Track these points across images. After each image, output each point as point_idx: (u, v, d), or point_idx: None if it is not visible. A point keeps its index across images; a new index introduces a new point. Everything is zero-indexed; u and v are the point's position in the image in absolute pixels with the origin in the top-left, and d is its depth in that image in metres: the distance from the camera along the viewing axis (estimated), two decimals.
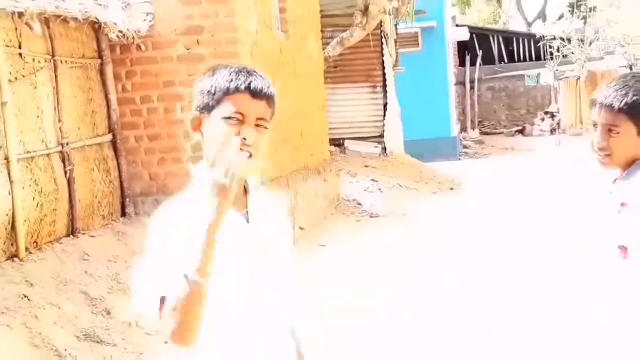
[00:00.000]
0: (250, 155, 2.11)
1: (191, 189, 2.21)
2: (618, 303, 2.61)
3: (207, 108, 2.16)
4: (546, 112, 28.96)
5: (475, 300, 7.12)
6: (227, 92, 2.13)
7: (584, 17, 30.13)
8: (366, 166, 15.22)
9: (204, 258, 2.00)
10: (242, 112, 2.12)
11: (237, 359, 2.17)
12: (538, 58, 31.30)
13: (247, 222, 2.21)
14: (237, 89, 2.12)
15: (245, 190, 2.25)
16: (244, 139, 2.10)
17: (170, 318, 2.04)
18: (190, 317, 2.03)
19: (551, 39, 27.46)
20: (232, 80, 2.13)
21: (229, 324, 2.16)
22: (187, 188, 2.23)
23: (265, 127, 2.16)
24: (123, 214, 8.34)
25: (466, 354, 5.79)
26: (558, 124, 27.60)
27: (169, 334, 2.06)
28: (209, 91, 2.16)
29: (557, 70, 27.88)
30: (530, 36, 32.46)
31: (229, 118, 2.12)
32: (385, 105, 16.88)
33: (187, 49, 8.39)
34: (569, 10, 34.27)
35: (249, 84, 2.13)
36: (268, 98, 2.16)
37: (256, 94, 2.13)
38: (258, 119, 2.14)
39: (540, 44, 28.71)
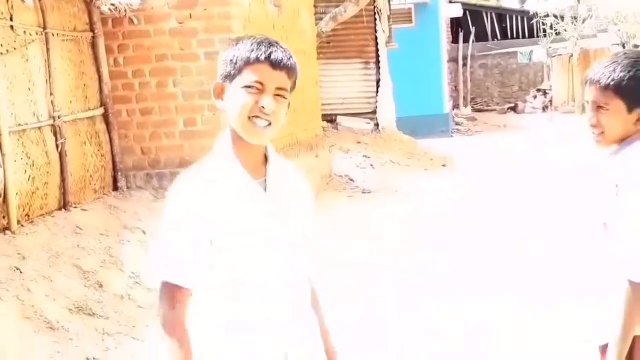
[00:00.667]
0: (269, 124, 2.19)
1: (211, 158, 2.27)
2: (600, 278, 2.63)
3: (229, 77, 2.23)
4: (538, 90, 29.01)
5: (465, 276, 7.17)
6: (247, 62, 2.20)
7: None
8: (358, 142, 15.23)
9: None
10: (262, 82, 2.19)
11: (257, 322, 2.22)
12: (531, 35, 31.27)
13: (265, 190, 2.26)
14: (257, 59, 2.19)
15: (265, 159, 2.30)
16: (263, 107, 2.17)
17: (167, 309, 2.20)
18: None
19: (544, 16, 27.41)
20: (252, 50, 2.20)
21: (248, 288, 2.21)
22: (208, 157, 2.28)
23: (285, 97, 2.23)
24: (115, 187, 8.34)
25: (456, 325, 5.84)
26: (550, 101, 27.64)
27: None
28: (231, 60, 2.23)
29: (550, 47, 27.87)
30: (523, 13, 32.38)
31: (249, 87, 2.19)
32: (378, 82, 16.87)
33: (180, 23, 8.36)
34: None
35: (269, 54, 2.20)
36: (288, 69, 2.23)
37: (276, 64, 2.20)
38: (277, 88, 2.21)
39: (534, 21, 28.67)
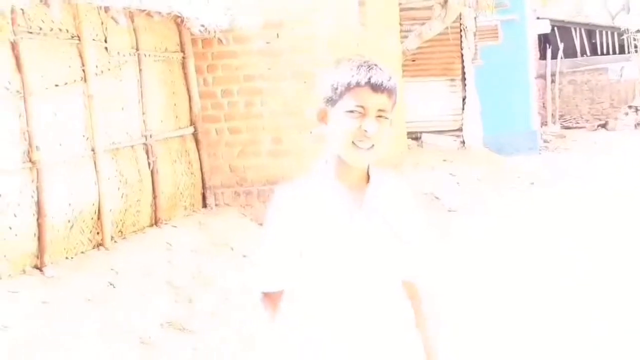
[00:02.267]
0: (372, 146, 2.23)
1: (309, 178, 2.33)
2: None
3: (332, 101, 2.27)
4: (630, 107, 28.22)
5: (554, 294, 7.01)
6: (348, 87, 2.23)
7: None
8: (444, 160, 15.08)
9: None
10: (363, 105, 2.22)
11: (347, 327, 2.25)
12: (622, 51, 30.51)
13: (360, 208, 2.28)
14: (357, 84, 2.22)
15: (368, 177, 2.33)
16: (365, 131, 2.20)
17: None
18: None
19: (636, 31, 26.71)
20: (353, 75, 2.23)
21: (342, 297, 2.26)
22: (306, 176, 2.35)
23: (387, 118, 2.25)
24: (204, 205, 8.49)
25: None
26: None
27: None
28: (332, 85, 2.26)
29: None
30: (614, 29, 31.61)
31: (351, 112, 2.22)
32: (464, 99, 16.72)
33: (267, 43, 8.47)
34: None
35: (369, 78, 2.22)
36: (388, 91, 2.24)
37: (376, 87, 2.22)
38: (379, 110, 2.23)
39: (625, 36, 27.97)
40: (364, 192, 2.30)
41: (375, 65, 2.26)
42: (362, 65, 2.24)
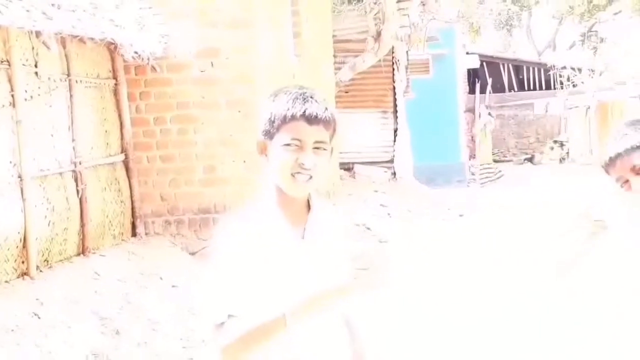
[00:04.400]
0: (311, 177, 2.23)
1: (255, 206, 2.32)
2: None
3: (269, 134, 2.27)
4: (555, 141, 28.97)
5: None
6: (284, 120, 2.22)
7: (595, 48, 30.21)
8: (376, 191, 15.21)
9: (307, 308, 2.18)
10: (300, 139, 2.22)
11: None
12: (548, 87, 31.37)
13: (302, 237, 2.29)
14: (293, 117, 2.22)
15: (308, 207, 2.34)
16: (302, 164, 2.21)
17: (237, 343, 2.19)
18: (255, 344, 2.19)
19: (562, 68, 27.51)
20: (288, 109, 2.22)
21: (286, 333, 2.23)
22: (249, 206, 2.33)
23: (325, 149, 2.26)
24: (134, 234, 8.36)
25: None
26: (567, 153, 27.59)
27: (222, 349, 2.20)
28: (269, 119, 2.26)
29: (567, 99, 27.92)
30: (540, 65, 32.52)
31: (288, 145, 2.22)
32: (395, 131, 16.92)
33: (202, 71, 8.44)
34: (580, 40, 34.37)
35: (304, 110, 2.22)
36: (325, 122, 2.25)
37: (312, 120, 2.22)
38: (316, 142, 2.23)
39: (551, 72, 28.77)
40: (304, 222, 2.31)
41: (312, 96, 2.25)
42: (297, 98, 2.24)
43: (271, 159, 2.27)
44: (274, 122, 2.24)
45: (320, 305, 2.20)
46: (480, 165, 22.51)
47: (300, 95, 2.25)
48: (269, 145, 2.28)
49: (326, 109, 2.26)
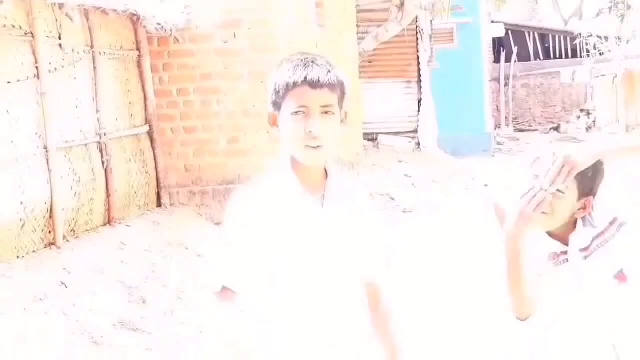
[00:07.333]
0: (320, 146, 2.19)
1: (268, 178, 2.29)
2: None
3: (276, 105, 2.24)
4: (582, 110, 28.69)
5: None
6: (287, 88, 2.19)
7: (622, 15, 29.77)
8: (400, 161, 15.18)
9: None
10: (305, 105, 2.17)
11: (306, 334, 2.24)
12: (574, 55, 30.98)
13: (322, 206, 2.26)
14: (295, 84, 2.17)
15: (326, 174, 2.30)
16: (310, 132, 2.16)
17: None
18: None
19: (588, 36, 27.16)
20: (290, 76, 2.19)
21: (301, 303, 2.24)
22: (263, 178, 2.31)
23: (333, 113, 2.21)
24: (159, 204, 8.43)
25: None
26: (594, 122, 27.33)
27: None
28: (274, 89, 2.23)
29: (593, 68, 27.59)
30: (566, 33, 32.09)
31: (296, 113, 2.18)
32: (419, 101, 16.85)
33: (224, 42, 8.44)
34: (608, 8, 33.87)
35: (306, 76, 2.17)
36: (330, 85, 2.20)
37: (315, 84, 2.17)
38: (322, 107, 2.19)
39: (577, 41, 28.41)
40: (323, 190, 2.27)
41: (313, 61, 2.21)
42: (299, 64, 2.20)
43: (282, 129, 2.24)
44: (279, 92, 2.21)
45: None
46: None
47: (302, 61, 2.21)
48: (278, 116, 2.25)
49: (329, 71, 2.20)
